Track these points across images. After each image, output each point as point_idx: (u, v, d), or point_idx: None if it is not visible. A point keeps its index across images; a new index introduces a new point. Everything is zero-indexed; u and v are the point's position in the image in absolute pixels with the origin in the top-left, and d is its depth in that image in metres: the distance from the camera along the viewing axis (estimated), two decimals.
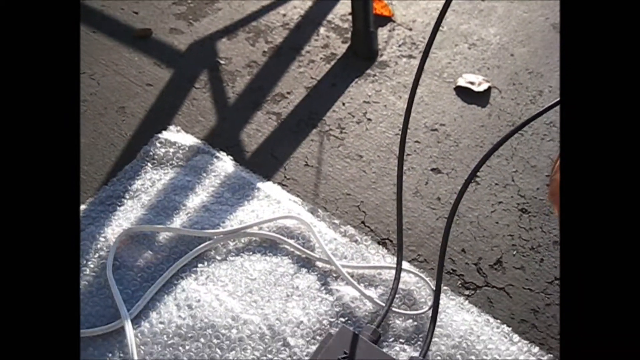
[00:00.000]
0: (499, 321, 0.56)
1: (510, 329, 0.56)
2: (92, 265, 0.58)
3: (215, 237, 0.59)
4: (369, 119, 0.72)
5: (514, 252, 0.62)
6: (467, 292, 0.59)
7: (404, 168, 0.67)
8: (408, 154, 0.69)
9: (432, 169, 0.68)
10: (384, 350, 0.52)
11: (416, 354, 0.53)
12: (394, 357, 0.51)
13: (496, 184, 0.67)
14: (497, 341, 0.55)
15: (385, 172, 0.67)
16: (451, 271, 0.60)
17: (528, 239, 0.62)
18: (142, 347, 0.53)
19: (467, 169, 0.67)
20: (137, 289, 0.57)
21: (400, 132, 0.70)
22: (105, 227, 0.60)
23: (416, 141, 0.70)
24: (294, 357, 0.53)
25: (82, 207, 0.63)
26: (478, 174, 0.67)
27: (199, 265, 0.58)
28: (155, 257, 0.59)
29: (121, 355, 0.53)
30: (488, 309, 0.58)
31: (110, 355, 0.53)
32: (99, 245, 0.59)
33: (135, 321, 0.54)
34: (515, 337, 0.55)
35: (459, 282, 0.60)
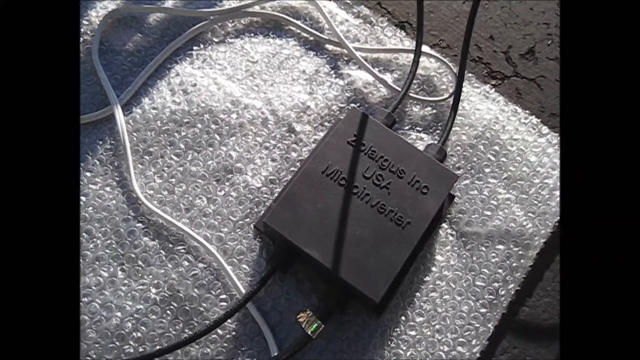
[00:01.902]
0: (527, 112, 0.51)
1: (539, 120, 0.51)
2: None
3: (212, 17, 0.52)
4: None
5: (549, 42, 0.55)
6: (493, 82, 0.53)
7: None
8: None
9: None
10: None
11: (434, 142, 0.48)
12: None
13: None
14: (524, 132, 0.50)
15: None
16: (477, 59, 0.54)
17: None
18: (135, 134, 0.48)
19: None
20: (126, 74, 0.51)
21: None
22: (87, 10, 0.53)
23: None
24: (300, 144, 0.48)
25: None
26: None
27: (194, 48, 0.52)
28: (146, 40, 0.52)
29: (112, 142, 0.48)
30: (516, 100, 0.52)
31: (100, 142, 0.48)
32: (82, 30, 0.52)
33: (127, 107, 0.50)
34: (545, 129, 0.50)
35: (485, 70, 0.53)
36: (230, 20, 0.53)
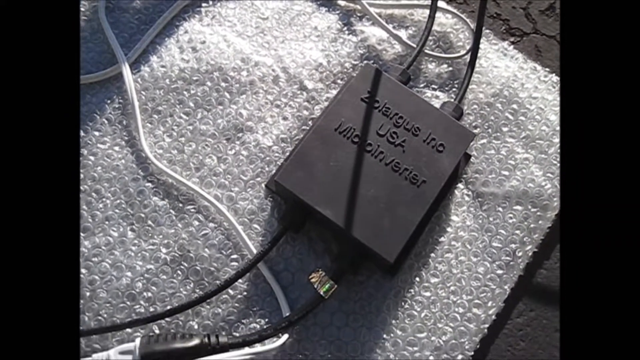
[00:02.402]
0: (547, 69, 0.49)
1: (559, 78, 0.49)
2: (82, 9, 0.50)
3: None
4: None
5: None
6: (512, 39, 0.51)
7: None
8: None
9: None
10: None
11: (450, 100, 0.46)
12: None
13: None
14: (543, 90, 0.48)
15: None
16: (495, 15, 0.52)
17: None
18: (143, 93, 0.47)
19: None
20: (134, 32, 0.50)
21: None
22: None
23: None
24: (312, 102, 0.47)
25: None
26: None
27: (203, 4, 0.50)
28: None
29: (121, 101, 0.47)
30: (535, 57, 0.50)
31: (108, 101, 0.47)
32: None
33: (135, 66, 0.48)
34: None
35: (504, 27, 0.51)
36: None
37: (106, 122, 0.47)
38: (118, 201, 0.44)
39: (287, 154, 0.45)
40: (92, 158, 0.46)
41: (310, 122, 0.46)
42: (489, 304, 0.43)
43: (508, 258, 0.44)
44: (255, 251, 0.42)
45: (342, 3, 0.50)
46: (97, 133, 0.46)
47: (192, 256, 0.43)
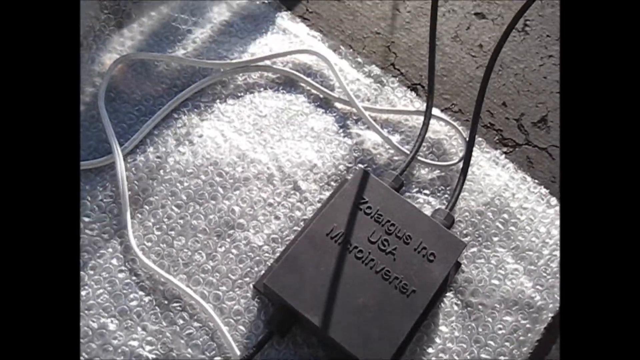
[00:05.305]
0: (536, 181, 0.50)
1: (548, 191, 0.50)
2: (85, 98, 0.51)
3: (222, 70, 0.52)
4: None
5: None
6: (504, 149, 0.52)
7: (444, 10, 0.59)
8: None
9: (476, 13, 0.59)
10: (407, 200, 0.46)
11: (442, 208, 0.47)
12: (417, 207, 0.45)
13: (548, 36, 0.58)
14: (533, 201, 0.49)
15: (422, 12, 0.58)
16: (489, 125, 0.53)
17: None
18: (136, 182, 0.47)
19: None
20: (133, 122, 0.50)
21: None
22: (100, 53, 0.53)
23: None
24: (304, 202, 0.47)
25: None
26: (528, 23, 0.59)
27: (203, 99, 0.51)
28: (155, 89, 0.52)
29: (113, 189, 0.47)
30: (527, 168, 0.51)
31: (101, 189, 0.47)
32: (91, 74, 0.52)
33: (131, 155, 0.49)
34: (554, 200, 0.49)
35: (497, 137, 0.53)
36: (241, 74, 0.52)
37: (97, 208, 0.46)
38: (101, 290, 0.43)
39: (278, 254, 0.45)
40: None
41: (302, 223, 0.46)
42: None
43: None
44: (239, 354, 0.41)
45: (339, 105, 0.51)
46: (86, 219, 0.46)
47: (175, 355, 0.41)
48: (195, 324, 0.42)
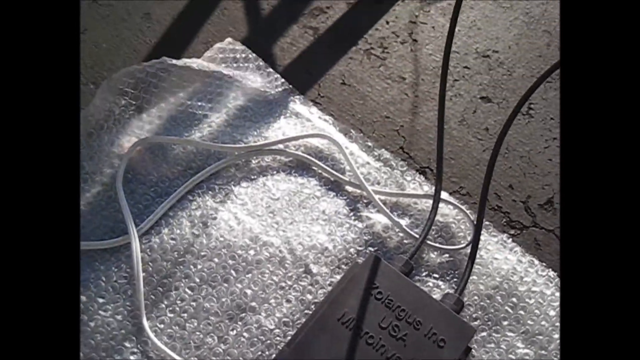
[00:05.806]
0: (544, 264, 0.50)
1: (556, 273, 0.50)
2: (103, 178, 0.53)
3: (236, 153, 0.54)
4: (415, 40, 0.65)
5: None
6: (512, 232, 0.53)
7: (450, 94, 0.61)
8: (456, 80, 0.62)
9: (482, 97, 0.61)
10: (416, 284, 0.47)
11: (451, 292, 0.47)
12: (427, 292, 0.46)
13: (551, 119, 0.60)
14: (541, 284, 0.49)
15: (430, 96, 0.60)
16: (496, 207, 0.54)
17: None
18: (151, 264, 0.48)
19: None
20: (149, 203, 0.52)
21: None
22: (119, 136, 0.55)
23: (465, 67, 0.63)
24: (315, 285, 0.48)
25: None
26: (532, 106, 0.60)
27: (217, 182, 0.53)
28: (171, 171, 0.54)
29: (128, 270, 0.48)
30: (534, 251, 0.52)
31: (116, 270, 0.48)
32: (111, 155, 0.54)
33: (145, 237, 0.50)
34: None
35: (504, 219, 0.54)
36: (254, 157, 0.54)
37: (111, 289, 0.47)
38: None
39: (289, 338, 0.45)
40: (91, 324, 0.46)
41: (313, 306, 0.47)
42: None
43: None
44: None
45: (350, 189, 0.53)
46: (100, 300, 0.47)
47: None
48: None
